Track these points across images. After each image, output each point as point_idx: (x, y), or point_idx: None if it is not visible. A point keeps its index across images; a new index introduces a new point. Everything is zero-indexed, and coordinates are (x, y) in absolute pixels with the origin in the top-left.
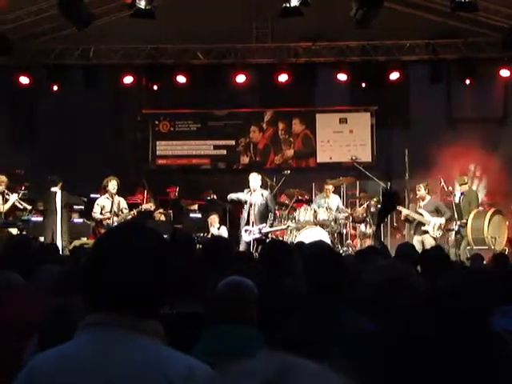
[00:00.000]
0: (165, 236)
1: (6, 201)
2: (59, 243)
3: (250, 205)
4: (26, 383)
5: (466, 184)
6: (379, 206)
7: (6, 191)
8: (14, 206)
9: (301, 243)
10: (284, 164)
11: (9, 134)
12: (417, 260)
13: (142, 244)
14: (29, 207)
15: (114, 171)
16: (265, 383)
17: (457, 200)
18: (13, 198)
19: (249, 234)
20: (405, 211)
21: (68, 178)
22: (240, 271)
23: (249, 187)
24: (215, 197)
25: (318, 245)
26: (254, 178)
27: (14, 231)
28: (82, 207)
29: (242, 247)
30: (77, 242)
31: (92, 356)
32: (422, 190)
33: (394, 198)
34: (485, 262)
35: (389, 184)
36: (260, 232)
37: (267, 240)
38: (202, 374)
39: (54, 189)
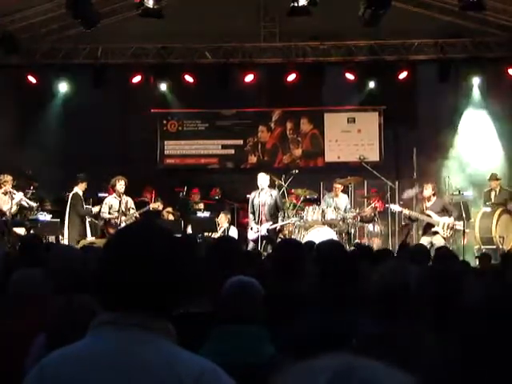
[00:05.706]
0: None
1: (12, 199)
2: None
3: (260, 205)
4: (36, 382)
5: (498, 181)
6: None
7: (12, 190)
8: (20, 205)
9: (312, 243)
10: (292, 163)
11: (17, 133)
12: (429, 260)
13: (155, 244)
14: (35, 204)
15: (122, 171)
16: (334, 375)
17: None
18: (18, 196)
19: (256, 231)
20: (405, 211)
21: (76, 177)
22: (247, 271)
23: (257, 187)
24: (223, 196)
25: (332, 245)
26: (262, 178)
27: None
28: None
29: (250, 246)
30: (84, 242)
31: (106, 355)
32: (428, 190)
33: None
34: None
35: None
36: (267, 230)
37: (273, 237)
38: (212, 376)
39: (75, 188)
